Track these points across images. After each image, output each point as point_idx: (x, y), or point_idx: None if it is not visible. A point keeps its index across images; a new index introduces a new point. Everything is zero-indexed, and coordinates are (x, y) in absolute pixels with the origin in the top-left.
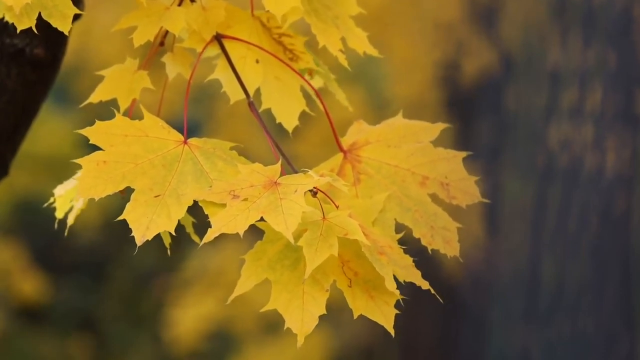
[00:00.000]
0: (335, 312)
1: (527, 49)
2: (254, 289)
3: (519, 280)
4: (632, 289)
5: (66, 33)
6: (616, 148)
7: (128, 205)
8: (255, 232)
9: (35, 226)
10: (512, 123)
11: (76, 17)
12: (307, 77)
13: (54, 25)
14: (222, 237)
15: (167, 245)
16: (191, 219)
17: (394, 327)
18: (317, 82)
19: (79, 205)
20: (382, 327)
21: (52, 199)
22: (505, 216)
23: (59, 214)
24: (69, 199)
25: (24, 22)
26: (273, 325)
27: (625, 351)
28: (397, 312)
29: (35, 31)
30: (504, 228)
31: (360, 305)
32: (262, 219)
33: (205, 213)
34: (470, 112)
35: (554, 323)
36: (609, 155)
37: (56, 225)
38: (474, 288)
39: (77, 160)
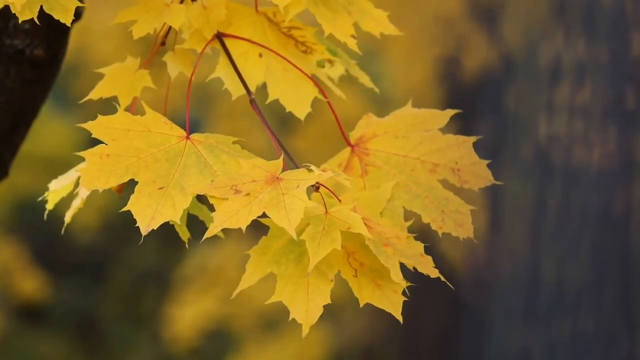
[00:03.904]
0: (336, 311)
1: (528, 47)
2: (253, 287)
3: (519, 280)
4: (632, 289)
5: (68, 24)
6: (616, 148)
7: (132, 197)
8: (256, 231)
9: (35, 226)
10: (512, 123)
11: (77, 15)
12: (327, 66)
13: (56, 18)
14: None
15: (185, 240)
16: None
17: (396, 324)
18: (339, 69)
19: (76, 203)
20: (382, 326)
21: (46, 194)
22: (505, 216)
23: (49, 205)
24: (62, 193)
25: (26, 14)
26: (272, 323)
27: (625, 351)
28: (405, 299)
29: (38, 22)
30: (504, 228)
31: (367, 294)
32: (264, 215)
33: (211, 203)
34: (471, 111)
35: (554, 323)
36: (610, 155)
37: (45, 216)
38: (474, 288)
39: (81, 153)
